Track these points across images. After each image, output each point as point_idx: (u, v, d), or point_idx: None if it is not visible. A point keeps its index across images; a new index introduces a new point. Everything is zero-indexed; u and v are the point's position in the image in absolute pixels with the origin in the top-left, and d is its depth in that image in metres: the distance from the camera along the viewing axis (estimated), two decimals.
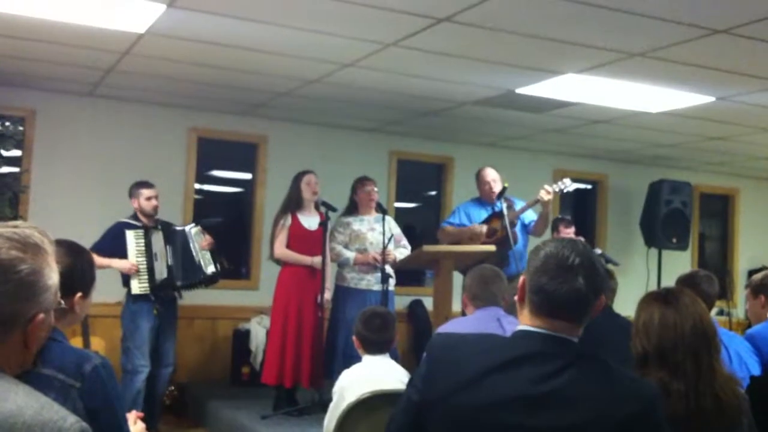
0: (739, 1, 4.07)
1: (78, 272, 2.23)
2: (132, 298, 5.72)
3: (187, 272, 5.84)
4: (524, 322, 1.98)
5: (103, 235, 5.74)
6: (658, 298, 2.35)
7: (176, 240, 5.86)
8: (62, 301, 1.62)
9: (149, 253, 5.73)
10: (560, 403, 1.83)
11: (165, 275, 5.76)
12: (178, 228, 5.98)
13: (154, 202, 5.87)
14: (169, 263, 5.78)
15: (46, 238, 1.53)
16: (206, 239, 5.94)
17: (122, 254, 5.68)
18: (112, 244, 5.67)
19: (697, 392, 2.15)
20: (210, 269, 5.90)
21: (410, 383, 2.11)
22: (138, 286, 5.69)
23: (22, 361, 1.51)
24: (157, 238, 5.80)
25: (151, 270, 5.72)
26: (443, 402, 1.94)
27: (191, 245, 5.86)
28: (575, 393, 1.84)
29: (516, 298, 2.02)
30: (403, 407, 2.07)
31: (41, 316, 1.48)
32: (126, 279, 5.74)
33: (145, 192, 5.85)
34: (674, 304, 2.29)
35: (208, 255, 5.93)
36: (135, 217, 5.86)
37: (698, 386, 2.15)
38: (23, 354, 1.49)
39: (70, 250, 2.22)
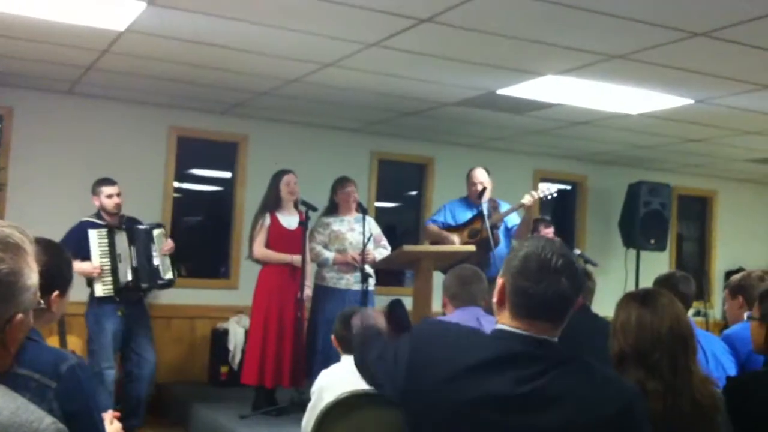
0: (719, 4, 4.09)
1: (55, 271, 2.20)
2: (96, 300, 5.60)
3: (145, 274, 5.72)
4: (504, 322, 1.98)
5: (66, 235, 5.53)
6: (636, 299, 2.36)
7: (139, 240, 5.73)
8: (41, 301, 1.60)
9: (113, 254, 5.59)
10: (542, 403, 1.84)
11: (130, 277, 5.63)
12: (141, 227, 5.83)
13: (116, 199, 5.72)
14: (134, 265, 5.64)
15: (26, 237, 1.52)
16: (168, 243, 5.83)
17: (85, 255, 5.53)
18: (75, 245, 5.44)
19: (673, 392, 2.17)
20: (168, 275, 5.79)
21: (393, 355, 2.08)
22: (102, 289, 5.57)
23: (1, 362, 1.50)
24: (121, 238, 5.66)
25: (115, 271, 5.58)
26: (424, 397, 1.94)
27: (152, 247, 5.74)
28: (557, 393, 1.85)
29: (494, 300, 2.01)
30: (384, 370, 2.09)
31: (20, 316, 1.47)
32: (89, 280, 5.60)
33: (106, 190, 5.70)
34: (652, 304, 2.31)
35: (168, 260, 5.81)
36: (98, 215, 5.72)
37: (675, 386, 2.17)
38: (3, 354, 1.48)
39: (47, 249, 2.20)
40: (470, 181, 6.58)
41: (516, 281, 1.94)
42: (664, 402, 2.17)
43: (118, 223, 5.73)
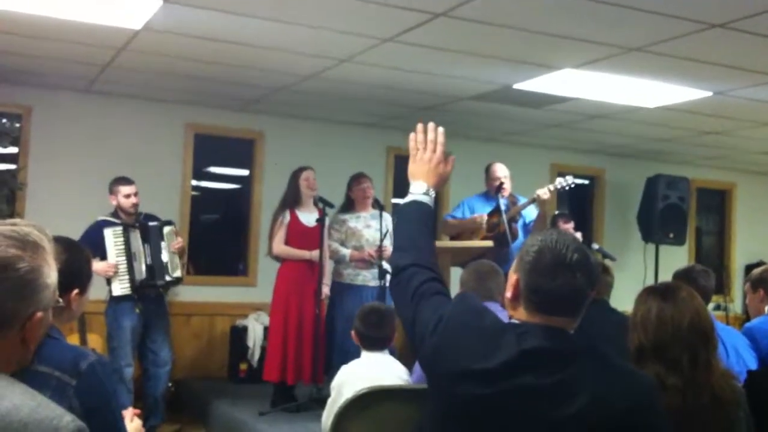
0: None
1: (75, 269, 2.22)
2: (114, 298, 5.62)
3: (158, 271, 5.72)
4: (519, 317, 1.97)
5: (83, 235, 5.54)
6: (655, 293, 2.35)
7: (151, 237, 5.73)
8: (60, 300, 1.61)
9: (128, 252, 5.59)
10: (563, 394, 1.84)
11: (145, 275, 5.64)
12: (151, 224, 5.82)
13: (133, 199, 5.72)
14: (148, 262, 5.65)
15: (45, 236, 1.53)
16: (178, 242, 5.82)
17: (102, 254, 5.54)
18: (92, 244, 5.37)
19: (693, 387, 2.15)
20: (176, 273, 5.77)
21: (433, 325, 2.01)
22: (119, 287, 5.58)
23: (21, 359, 1.51)
24: (135, 236, 5.66)
25: (131, 269, 5.59)
26: (446, 383, 1.95)
27: (161, 244, 5.74)
28: (578, 385, 1.85)
29: (508, 295, 2.00)
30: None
31: (40, 314, 1.48)
32: (108, 279, 5.60)
33: (123, 189, 5.70)
34: (672, 298, 2.29)
35: (176, 258, 5.80)
36: (115, 214, 5.73)
37: (695, 381, 2.15)
38: (22, 352, 1.49)
39: (66, 247, 2.21)
40: (491, 176, 6.50)
41: (530, 278, 1.93)
42: (683, 397, 2.15)
43: (135, 221, 5.74)
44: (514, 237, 6.08)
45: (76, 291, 2.23)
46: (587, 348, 1.92)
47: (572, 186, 6.35)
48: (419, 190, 2.28)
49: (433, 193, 2.26)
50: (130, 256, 5.60)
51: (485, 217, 6.22)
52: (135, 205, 5.74)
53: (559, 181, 6.28)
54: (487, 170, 6.57)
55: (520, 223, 6.34)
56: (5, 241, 1.45)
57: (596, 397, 1.84)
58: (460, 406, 1.93)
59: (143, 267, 5.65)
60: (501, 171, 6.45)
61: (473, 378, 1.90)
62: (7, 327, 1.45)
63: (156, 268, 5.68)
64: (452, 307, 2.02)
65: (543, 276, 1.90)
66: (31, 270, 1.46)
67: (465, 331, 1.99)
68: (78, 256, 2.29)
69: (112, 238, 5.59)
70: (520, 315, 1.97)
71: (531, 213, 6.41)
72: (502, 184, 6.21)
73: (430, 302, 2.05)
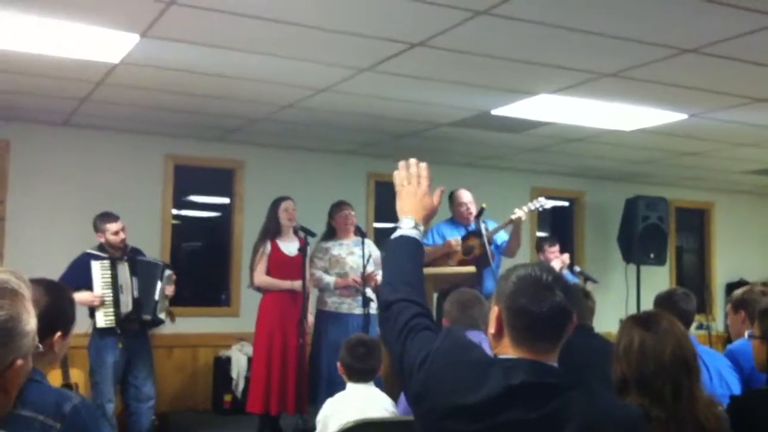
0: (706, 21, 4.12)
1: (57, 312, 2.20)
2: (98, 332, 5.56)
3: (145, 306, 5.68)
4: (504, 352, 1.98)
5: (69, 267, 5.55)
6: (638, 323, 2.36)
7: (143, 272, 5.71)
8: (40, 345, 1.60)
9: (115, 285, 5.55)
10: (551, 427, 1.84)
11: (130, 308, 5.59)
12: (150, 260, 5.82)
13: (121, 235, 5.67)
14: (135, 295, 5.60)
15: (23, 282, 1.52)
16: (171, 288, 5.80)
17: (88, 286, 5.50)
18: (78, 276, 5.45)
19: (677, 419, 2.16)
20: (161, 315, 5.74)
21: (422, 358, 2.03)
22: (104, 319, 5.52)
23: (2, 407, 1.50)
24: (123, 269, 5.62)
25: (116, 302, 5.54)
26: (434, 419, 1.95)
27: (158, 284, 5.71)
28: (564, 418, 1.85)
29: (491, 331, 2.01)
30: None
31: (20, 362, 1.47)
32: (92, 310, 5.55)
33: (111, 227, 5.65)
34: (654, 329, 2.30)
35: (166, 302, 5.79)
36: (101, 248, 5.68)
37: (678, 413, 2.16)
38: (3, 399, 1.48)
39: (48, 290, 2.20)
40: (456, 202, 6.57)
41: (513, 302, 1.96)
42: (667, 429, 2.16)
43: (121, 254, 5.71)
44: (492, 258, 6.12)
45: (58, 334, 2.21)
46: (573, 381, 1.93)
47: (544, 208, 6.45)
48: (407, 224, 2.28)
49: (421, 227, 2.27)
50: (116, 289, 5.56)
51: (459, 241, 6.27)
52: (123, 240, 5.70)
53: (534, 203, 6.37)
54: (451, 197, 6.62)
55: (492, 245, 6.37)
56: None
57: (584, 429, 1.85)
58: None
59: (129, 299, 5.60)
60: (465, 197, 6.55)
61: (460, 414, 1.90)
62: None
63: (143, 301, 5.63)
64: (439, 343, 2.04)
65: (524, 297, 1.93)
66: (9, 318, 1.45)
67: (452, 366, 2.00)
68: (60, 298, 2.27)
69: (99, 270, 5.54)
70: (505, 349, 1.97)
71: (501, 235, 6.47)
72: (483, 209, 6.24)
73: (418, 337, 2.07)
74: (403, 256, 2.24)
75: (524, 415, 1.85)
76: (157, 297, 5.70)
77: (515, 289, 1.96)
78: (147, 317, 5.66)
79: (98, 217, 5.74)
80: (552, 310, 1.92)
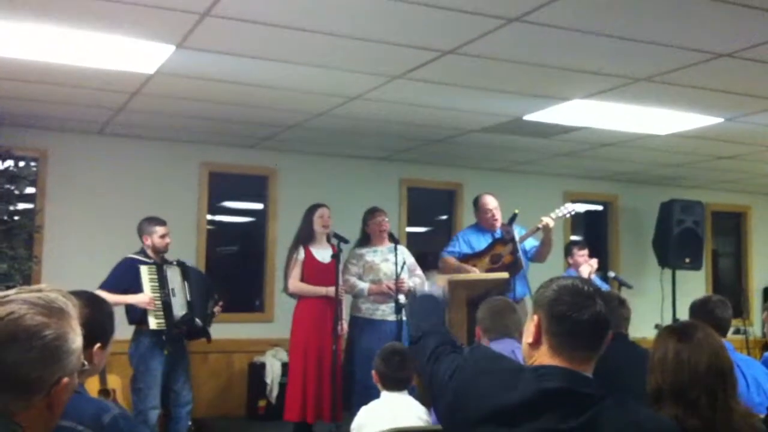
0: (741, 26, 4.09)
1: (97, 324, 2.24)
2: (143, 338, 5.61)
3: (199, 311, 5.77)
4: (542, 361, 1.98)
5: (113, 272, 5.62)
6: (673, 333, 2.34)
7: (196, 279, 5.82)
8: (86, 363, 1.63)
9: (165, 289, 5.63)
10: None
11: (185, 310, 5.66)
12: (202, 272, 5.97)
13: (167, 239, 5.77)
14: (189, 299, 5.68)
15: (69, 301, 1.55)
16: (219, 309, 5.93)
17: (136, 290, 5.56)
18: (124, 280, 5.55)
19: (713, 429, 2.15)
20: (209, 327, 5.85)
21: (449, 375, 2.12)
22: (155, 322, 5.56)
23: (47, 425, 1.52)
24: (174, 273, 5.70)
25: (168, 305, 5.60)
26: (468, 427, 1.97)
27: (212, 298, 5.86)
28: (600, 429, 1.85)
29: (529, 341, 2.02)
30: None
31: (66, 380, 1.49)
32: (134, 317, 5.61)
33: (160, 230, 5.75)
34: (689, 339, 2.29)
35: (211, 319, 5.90)
36: (143, 253, 5.75)
37: (714, 424, 2.15)
38: (48, 417, 1.51)
39: (88, 302, 2.24)
40: (482, 209, 6.47)
41: (553, 309, 1.98)
42: None
43: (161, 260, 5.78)
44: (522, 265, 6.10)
45: (98, 345, 2.25)
46: (608, 393, 1.93)
47: (573, 213, 6.41)
48: (439, 291, 2.80)
49: (448, 295, 2.53)
50: (167, 293, 5.62)
51: (482, 268, 6.22)
52: (168, 245, 5.80)
53: (562, 209, 6.33)
54: (477, 203, 6.55)
55: (520, 251, 6.33)
56: (32, 309, 1.47)
57: None
58: None
59: (184, 302, 5.68)
60: (491, 203, 6.44)
61: (492, 420, 1.91)
62: (33, 394, 1.46)
63: (196, 306, 5.72)
64: (468, 354, 2.08)
65: (566, 304, 1.96)
66: (57, 337, 1.48)
67: (483, 374, 2.03)
68: (100, 311, 2.32)
69: (147, 274, 5.61)
70: (542, 358, 1.98)
71: (530, 241, 6.42)
72: (515, 215, 6.20)
73: (446, 359, 2.17)
74: (430, 304, 2.57)
75: (557, 424, 1.86)
76: (209, 311, 5.82)
77: (556, 297, 1.98)
78: (199, 322, 5.72)
79: (145, 220, 5.83)
80: (592, 318, 1.95)
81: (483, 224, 6.48)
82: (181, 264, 5.81)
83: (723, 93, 5.42)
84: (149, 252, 5.76)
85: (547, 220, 6.10)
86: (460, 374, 2.07)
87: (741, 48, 4.42)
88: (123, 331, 5.63)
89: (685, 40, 4.34)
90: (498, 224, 6.35)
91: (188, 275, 5.78)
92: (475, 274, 6.05)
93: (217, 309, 5.90)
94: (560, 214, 6.32)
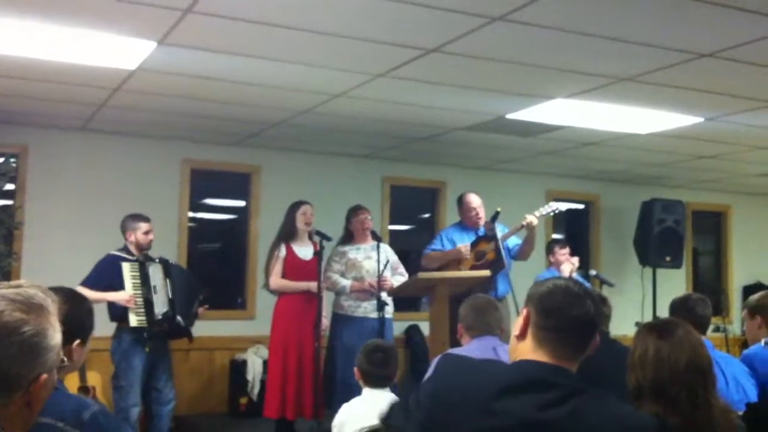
0: (723, 26, 4.11)
1: (76, 320, 2.23)
2: (125, 336, 5.59)
3: (181, 309, 5.74)
4: (524, 356, 1.99)
5: (95, 268, 5.60)
6: (653, 331, 2.36)
7: (178, 277, 5.79)
8: (65, 359, 1.62)
9: (147, 286, 5.61)
10: (567, 429, 1.85)
11: (166, 308, 5.64)
12: (187, 271, 5.95)
13: (151, 236, 5.76)
14: (170, 296, 5.66)
15: (49, 297, 1.54)
16: (202, 310, 5.91)
17: (117, 287, 5.54)
18: (106, 276, 5.54)
19: (693, 427, 2.16)
20: (189, 327, 5.82)
21: (416, 400, 2.11)
22: (136, 319, 5.53)
23: (26, 421, 1.51)
24: (155, 270, 5.68)
25: (148, 302, 5.58)
26: (451, 424, 1.96)
27: (197, 299, 5.83)
28: (577, 423, 1.86)
29: (516, 333, 2.03)
30: (413, 425, 2.10)
31: (45, 376, 1.48)
32: (115, 314, 5.59)
33: (143, 226, 5.74)
34: (669, 337, 2.30)
35: (194, 319, 5.87)
36: (126, 250, 5.74)
37: (694, 421, 2.16)
38: (27, 414, 1.49)
39: (67, 298, 2.23)
40: (466, 207, 6.50)
41: (543, 303, 2.00)
42: None
43: (144, 257, 5.75)
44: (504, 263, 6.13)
45: (77, 342, 2.24)
46: (587, 387, 1.94)
47: (557, 212, 6.44)
48: None
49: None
50: (149, 290, 5.60)
51: (469, 248, 6.24)
52: (151, 242, 5.79)
53: (546, 208, 6.36)
54: (461, 201, 6.58)
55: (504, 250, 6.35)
56: (10, 305, 1.46)
57: None
58: None
59: (165, 300, 5.65)
60: (475, 201, 6.47)
61: (474, 413, 1.92)
62: (12, 390, 1.45)
63: (178, 303, 5.68)
64: (437, 365, 2.12)
65: (558, 300, 1.99)
66: (35, 333, 1.46)
67: (458, 374, 2.04)
68: (79, 307, 2.30)
69: (129, 271, 5.59)
70: (525, 353, 1.99)
71: (513, 239, 6.44)
72: (498, 213, 6.22)
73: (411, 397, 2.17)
74: None
75: (538, 414, 1.86)
76: (193, 310, 5.79)
77: (548, 292, 2.01)
78: (181, 320, 5.68)
79: (129, 217, 5.81)
80: (582, 316, 1.97)
81: (466, 222, 6.50)
82: (163, 261, 5.78)
83: (704, 93, 5.46)
84: (132, 248, 5.74)
85: (531, 218, 6.12)
86: (435, 379, 2.09)
87: (722, 48, 4.44)
88: (103, 328, 5.60)
89: (668, 40, 4.36)
90: (482, 222, 6.39)
91: (171, 273, 5.74)
92: (457, 272, 6.06)
93: (201, 310, 5.88)
94: (544, 213, 6.34)
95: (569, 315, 1.96)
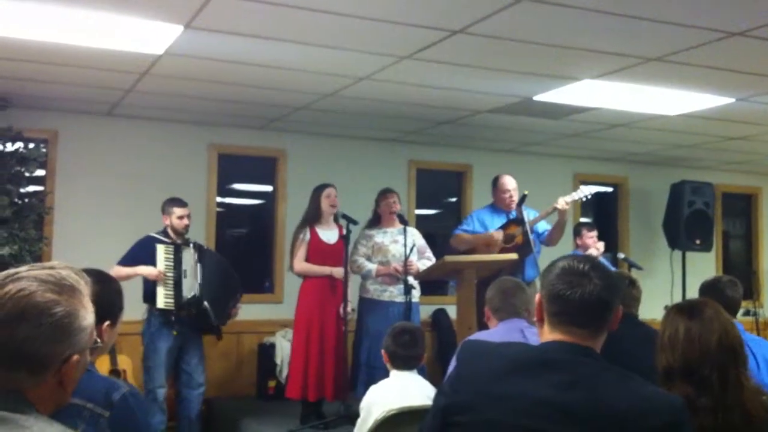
0: (752, 5, 4.05)
1: (106, 301, 2.25)
2: (153, 318, 5.70)
3: (210, 296, 5.79)
4: (545, 338, 2.02)
5: (132, 248, 5.78)
6: (682, 312, 2.34)
7: (211, 264, 5.85)
8: (98, 340, 1.63)
9: (178, 269, 5.71)
10: (586, 412, 1.85)
11: (195, 292, 5.70)
12: (223, 260, 6.02)
13: (185, 221, 5.87)
14: (200, 281, 5.71)
15: (81, 279, 1.55)
16: (236, 310, 5.99)
17: (150, 264, 5.67)
18: (140, 254, 5.69)
19: (724, 407, 2.14)
20: (213, 321, 5.83)
21: (439, 390, 2.17)
22: (164, 300, 5.64)
23: (58, 401, 1.53)
24: (188, 255, 5.76)
25: (178, 285, 5.67)
26: (471, 407, 1.98)
27: (233, 296, 5.92)
28: (601, 402, 1.85)
29: (534, 318, 2.05)
30: (432, 413, 2.13)
31: (76, 357, 1.50)
32: (149, 294, 5.70)
33: (177, 210, 5.86)
34: (699, 317, 2.28)
35: (227, 318, 5.95)
36: (165, 233, 5.87)
37: (725, 401, 2.14)
38: (59, 394, 1.51)
39: (97, 279, 2.24)
40: (500, 189, 6.49)
41: (551, 290, 2.01)
42: (714, 418, 2.14)
43: (182, 241, 5.83)
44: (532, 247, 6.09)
45: (107, 323, 2.26)
46: (609, 364, 1.94)
47: (589, 197, 6.36)
48: None
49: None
50: (180, 273, 5.69)
51: (501, 235, 6.21)
52: (187, 227, 5.90)
53: (578, 193, 6.29)
54: (495, 183, 6.56)
55: (533, 234, 6.32)
56: (42, 286, 1.47)
57: (622, 416, 1.84)
58: (485, 425, 1.95)
59: (195, 285, 5.70)
60: (510, 183, 6.45)
61: (495, 392, 1.94)
62: (44, 370, 1.47)
63: (205, 289, 5.72)
64: (459, 351, 2.16)
65: (562, 284, 1.99)
66: (67, 314, 1.48)
67: (480, 357, 2.08)
68: (109, 288, 2.32)
69: (163, 253, 5.72)
70: (545, 334, 2.03)
71: (542, 224, 6.40)
72: (525, 196, 6.18)
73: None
74: None
75: (559, 395, 1.87)
76: (228, 309, 5.87)
77: (554, 277, 2.02)
78: (207, 305, 5.72)
79: (168, 200, 5.96)
80: (584, 297, 1.96)
81: (499, 204, 6.48)
82: (198, 246, 5.86)
83: (734, 73, 5.38)
84: (170, 231, 5.85)
85: (562, 203, 6.06)
86: (457, 364, 2.12)
87: (753, 27, 4.37)
88: (134, 311, 5.68)
89: (697, 19, 4.29)
90: (514, 205, 6.35)
91: (203, 259, 5.81)
92: (484, 255, 6.03)
93: (234, 310, 5.95)
94: (576, 198, 6.27)
95: (572, 298, 1.97)
